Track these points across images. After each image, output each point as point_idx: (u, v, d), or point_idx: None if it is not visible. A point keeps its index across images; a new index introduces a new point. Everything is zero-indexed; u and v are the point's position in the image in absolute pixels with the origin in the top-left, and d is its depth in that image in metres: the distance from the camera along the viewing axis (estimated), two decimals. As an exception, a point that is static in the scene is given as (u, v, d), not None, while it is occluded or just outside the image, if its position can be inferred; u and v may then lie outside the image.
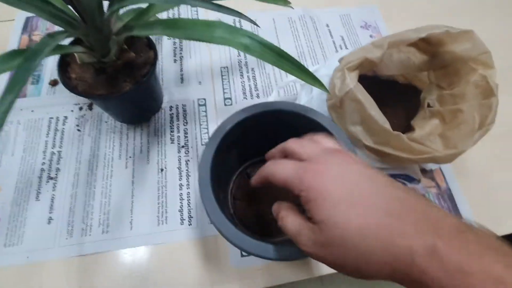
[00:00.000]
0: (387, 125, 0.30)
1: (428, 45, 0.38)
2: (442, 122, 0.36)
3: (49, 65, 0.51)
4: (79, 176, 0.43)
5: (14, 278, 0.36)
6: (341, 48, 0.57)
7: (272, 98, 0.45)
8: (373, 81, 0.38)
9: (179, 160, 0.45)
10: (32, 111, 0.47)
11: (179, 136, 0.46)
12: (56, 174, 0.42)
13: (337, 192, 0.19)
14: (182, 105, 0.49)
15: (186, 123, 0.48)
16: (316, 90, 0.38)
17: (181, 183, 0.43)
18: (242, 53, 0.55)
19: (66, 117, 0.47)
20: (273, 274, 0.39)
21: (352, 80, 0.31)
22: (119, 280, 0.37)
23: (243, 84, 0.52)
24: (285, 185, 0.22)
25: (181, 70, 0.52)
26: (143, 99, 0.43)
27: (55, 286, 0.36)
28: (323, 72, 0.37)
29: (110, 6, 0.30)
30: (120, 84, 0.37)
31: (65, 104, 0.47)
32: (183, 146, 0.46)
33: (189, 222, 0.41)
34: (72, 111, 0.47)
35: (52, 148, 0.44)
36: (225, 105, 0.50)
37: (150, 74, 0.37)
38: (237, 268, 0.38)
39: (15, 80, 0.19)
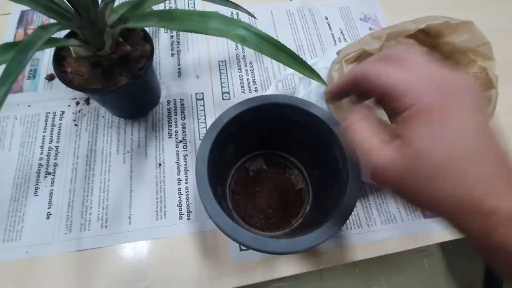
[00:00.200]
0: (384, 117, 0.30)
1: (427, 36, 0.37)
2: None
3: (46, 60, 0.50)
4: (77, 171, 0.42)
5: (13, 273, 0.36)
6: (340, 41, 0.56)
7: (270, 91, 0.45)
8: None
9: (177, 154, 0.44)
10: (28, 106, 0.46)
11: (177, 130, 0.46)
12: (54, 169, 0.42)
13: (455, 124, 0.17)
14: (180, 99, 0.49)
15: (184, 117, 0.47)
16: (314, 83, 0.38)
17: (179, 178, 0.43)
18: (240, 47, 0.54)
19: (63, 112, 0.46)
20: (272, 268, 0.39)
21: None
22: (118, 275, 0.37)
23: (241, 78, 0.51)
24: (389, 92, 0.18)
25: (179, 64, 0.52)
26: (140, 93, 0.43)
27: (54, 281, 0.36)
28: (321, 65, 0.36)
29: (104, -2, 0.30)
30: (116, 78, 0.37)
31: (62, 99, 0.47)
32: (181, 141, 0.46)
33: (187, 216, 0.41)
34: (69, 106, 0.47)
35: (50, 143, 0.44)
36: (223, 99, 0.49)
37: (147, 67, 0.37)
38: (236, 262, 0.39)
39: (8, 72, 0.19)
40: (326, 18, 0.58)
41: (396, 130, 0.18)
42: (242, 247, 0.39)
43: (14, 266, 0.37)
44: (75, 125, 0.46)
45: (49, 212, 0.40)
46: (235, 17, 0.56)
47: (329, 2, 0.60)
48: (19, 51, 0.20)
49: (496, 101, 0.33)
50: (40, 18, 0.54)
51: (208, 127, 0.30)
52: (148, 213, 0.41)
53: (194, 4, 0.58)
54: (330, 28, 0.57)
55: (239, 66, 0.52)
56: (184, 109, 0.48)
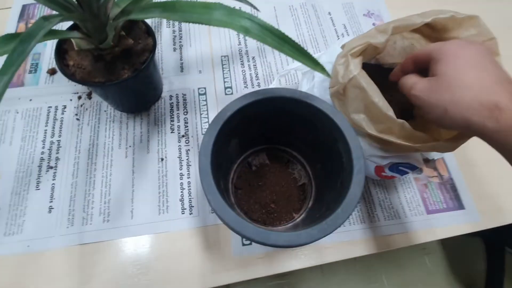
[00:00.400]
0: (391, 112, 0.30)
1: (433, 31, 0.37)
2: None
3: (47, 54, 0.50)
4: (79, 165, 0.42)
5: (14, 267, 0.36)
6: (343, 36, 0.56)
7: (273, 86, 0.45)
8: (376, 69, 0.37)
9: (180, 149, 0.44)
10: (30, 100, 0.46)
11: (179, 125, 0.46)
12: (56, 163, 0.42)
13: (462, 61, 0.25)
14: (182, 94, 0.48)
15: (186, 112, 0.47)
16: (317, 78, 0.37)
17: (181, 173, 0.43)
18: (242, 42, 0.54)
19: (64, 106, 0.46)
20: (274, 263, 0.39)
21: (355, 67, 0.30)
22: (120, 269, 0.37)
23: (244, 73, 0.51)
24: (431, 53, 0.28)
25: (181, 59, 0.51)
26: (142, 87, 0.42)
27: (56, 275, 0.36)
28: (325, 59, 0.36)
29: (107, -10, 0.29)
30: (119, 71, 0.36)
31: (63, 93, 0.47)
32: (183, 136, 0.45)
33: (190, 211, 0.41)
34: (71, 100, 0.47)
35: (51, 137, 0.44)
36: (226, 94, 0.49)
37: (149, 61, 0.37)
38: (238, 256, 0.38)
39: (10, 62, 0.19)
40: (329, 14, 0.58)
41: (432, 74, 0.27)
42: (245, 242, 0.39)
43: (15, 260, 0.37)
44: (77, 119, 0.45)
45: (51, 206, 0.40)
46: (237, 11, 0.56)
47: (332, -3, 0.60)
48: (21, 41, 0.20)
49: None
50: (41, 12, 0.54)
51: (210, 121, 0.30)
52: (150, 207, 0.40)
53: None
54: (333, 24, 0.57)
55: (242, 61, 0.52)
56: (186, 104, 0.48)
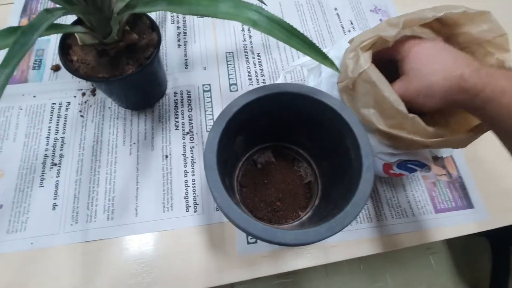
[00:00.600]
0: (402, 107, 0.29)
1: (443, 26, 0.36)
2: (448, 113, 0.35)
3: (51, 50, 0.50)
4: (83, 162, 0.42)
5: (17, 264, 0.36)
6: (349, 32, 0.55)
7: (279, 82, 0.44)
8: (384, 65, 0.36)
9: (184, 146, 0.44)
10: (34, 96, 0.46)
11: (183, 122, 0.45)
12: (60, 160, 0.42)
13: (422, 55, 0.29)
14: (187, 91, 0.48)
15: (191, 109, 0.46)
16: (325, 73, 0.36)
17: (186, 170, 0.42)
18: (247, 38, 0.53)
19: (68, 103, 0.46)
20: (279, 262, 0.38)
21: (366, 61, 0.30)
22: (124, 267, 0.37)
23: (248, 70, 0.50)
24: (395, 53, 0.32)
25: (185, 55, 0.51)
26: (146, 83, 0.42)
27: (59, 272, 0.36)
28: (333, 54, 0.35)
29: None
30: (123, 66, 0.36)
31: (67, 89, 0.47)
32: (187, 133, 0.45)
33: (194, 209, 0.40)
34: (75, 96, 0.46)
35: (55, 134, 0.44)
36: (231, 91, 0.48)
37: (154, 56, 0.36)
38: (243, 255, 0.38)
39: (11, 54, 0.18)
40: (336, 9, 0.57)
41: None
42: (250, 240, 0.39)
43: (18, 257, 0.37)
44: (81, 116, 0.45)
45: (55, 203, 0.39)
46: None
47: (338, -7, 0.59)
48: (23, 33, 0.20)
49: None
50: (44, 7, 0.53)
51: (215, 118, 0.30)
52: (154, 205, 0.40)
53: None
54: (340, 20, 0.56)
55: (247, 57, 0.51)
56: (191, 101, 0.47)
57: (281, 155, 0.42)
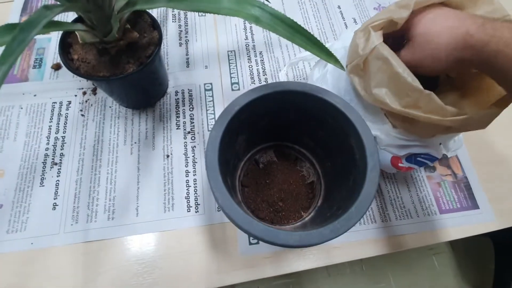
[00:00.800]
0: (417, 83, 0.28)
1: None
2: (465, 91, 0.34)
3: (52, 49, 0.49)
4: (84, 161, 0.42)
5: (17, 264, 0.36)
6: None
7: (281, 77, 0.44)
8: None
9: (185, 146, 0.43)
10: (34, 95, 0.45)
11: (185, 121, 0.45)
12: (61, 160, 0.42)
13: (427, 19, 0.29)
14: (188, 90, 0.47)
15: (192, 108, 0.46)
16: (330, 64, 0.36)
17: (187, 170, 0.42)
18: (249, 36, 0.53)
19: (69, 102, 0.45)
20: (281, 263, 0.38)
21: (377, 38, 0.29)
22: (125, 267, 0.36)
23: (251, 68, 0.50)
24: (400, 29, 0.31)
25: (187, 54, 0.50)
26: (147, 82, 0.42)
27: (60, 272, 0.36)
28: (339, 45, 0.35)
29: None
30: (124, 65, 0.35)
31: (68, 88, 0.46)
32: (189, 132, 0.44)
33: (196, 209, 0.40)
34: (75, 95, 0.46)
35: (56, 133, 0.43)
36: (232, 90, 0.48)
37: (155, 55, 0.36)
38: (245, 256, 0.37)
39: (9, 51, 0.18)
40: (339, 7, 0.57)
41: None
42: (251, 241, 0.38)
43: (18, 257, 0.36)
44: (82, 115, 0.45)
45: (55, 203, 0.39)
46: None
47: (341, -9, 0.59)
48: (21, 29, 0.19)
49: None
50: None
51: (217, 118, 0.29)
52: (155, 205, 0.40)
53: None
54: (343, 18, 0.55)
55: (249, 56, 0.51)
56: (192, 100, 0.47)
57: (284, 154, 0.42)
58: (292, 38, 0.25)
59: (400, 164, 0.35)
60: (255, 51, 0.51)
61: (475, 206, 0.42)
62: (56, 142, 0.43)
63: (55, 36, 0.51)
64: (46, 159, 0.42)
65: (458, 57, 0.27)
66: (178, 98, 0.47)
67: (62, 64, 0.35)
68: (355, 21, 0.55)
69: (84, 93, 0.46)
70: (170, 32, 0.52)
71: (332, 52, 0.26)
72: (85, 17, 0.32)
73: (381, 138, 0.33)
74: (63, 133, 0.43)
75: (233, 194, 0.34)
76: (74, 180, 0.40)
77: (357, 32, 0.31)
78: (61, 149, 0.42)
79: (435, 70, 0.29)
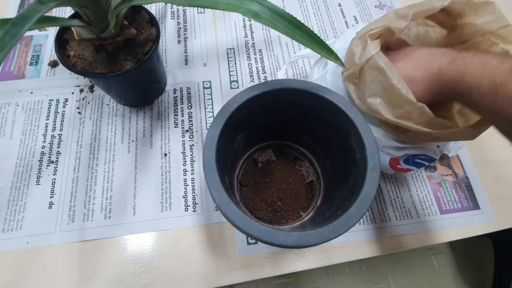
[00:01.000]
0: (410, 95, 0.28)
1: (448, 17, 0.35)
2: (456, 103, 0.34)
3: (49, 46, 0.49)
4: (81, 160, 0.41)
5: (12, 264, 0.35)
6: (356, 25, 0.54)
7: (280, 75, 0.43)
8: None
9: (183, 144, 0.43)
10: (31, 93, 0.45)
11: (183, 120, 0.45)
12: (57, 158, 0.41)
13: (402, 55, 0.31)
14: (187, 87, 0.47)
15: (191, 106, 0.46)
16: (330, 64, 0.35)
17: (185, 169, 0.41)
18: (249, 34, 0.52)
19: (66, 100, 0.45)
20: (280, 263, 0.37)
21: (374, 48, 0.28)
22: (122, 267, 0.36)
23: (250, 66, 0.49)
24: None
25: (185, 51, 0.50)
26: (145, 80, 0.41)
27: (55, 272, 0.35)
28: (339, 45, 0.34)
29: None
30: (121, 62, 0.35)
31: (65, 86, 0.46)
32: (187, 130, 0.44)
33: (193, 208, 0.39)
34: (72, 93, 0.45)
35: (53, 131, 0.43)
36: (231, 88, 0.47)
37: (153, 51, 0.35)
38: (243, 256, 0.37)
39: (0, 44, 0.18)
40: (340, 5, 0.56)
41: None
42: (250, 241, 0.38)
43: (14, 256, 0.36)
44: (79, 113, 0.44)
45: (51, 202, 0.39)
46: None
47: (342, -11, 0.58)
48: (14, 24, 0.19)
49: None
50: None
51: (215, 115, 0.29)
52: (153, 204, 0.39)
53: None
54: (344, 15, 0.55)
55: (248, 54, 0.50)
56: (190, 98, 0.46)
57: (283, 153, 0.41)
58: (291, 34, 0.24)
59: (398, 166, 0.35)
60: (254, 49, 0.51)
61: (476, 206, 0.42)
62: (53, 140, 0.42)
63: (52, 33, 0.50)
64: (42, 157, 0.41)
65: (436, 93, 0.28)
66: (176, 96, 0.46)
67: (58, 61, 0.34)
68: (355, 19, 0.55)
69: (81, 90, 0.46)
70: (168, 29, 0.52)
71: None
72: (82, 13, 0.31)
73: (379, 139, 0.33)
74: (60, 131, 0.43)
75: (231, 193, 0.34)
76: (70, 178, 0.40)
77: (355, 40, 0.31)
78: (57, 147, 0.42)
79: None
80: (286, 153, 0.41)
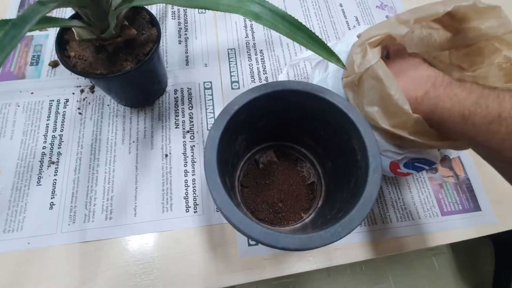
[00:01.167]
0: (407, 106, 0.28)
1: (453, 20, 0.35)
2: None
3: (49, 46, 0.49)
4: (81, 160, 0.41)
5: (13, 264, 0.35)
6: (356, 27, 0.53)
7: (281, 78, 0.43)
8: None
9: (184, 145, 0.43)
10: (31, 93, 0.45)
11: (184, 120, 0.44)
12: (58, 159, 0.41)
13: (400, 73, 0.30)
14: (187, 88, 0.47)
15: (192, 107, 0.45)
16: (332, 67, 0.35)
17: (186, 170, 0.41)
18: (250, 34, 0.52)
19: (67, 100, 0.45)
20: (281, 264, 0.37)
21: (374, 56, 0.28)
22: (123, 268, 0.36)
23: (251, 67, 0.49)
24: None
25: (186, 51, 0.50)
26: (146, 80, 0.41)
27: (56, 272, 0.35)
28: (340, 48, 0.34)
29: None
30: (121, 63, 0.35)
31: (66, 86, 0.46)
32: (188, 131, 0.44)
33: (194, 209, 0.39)
34: (73, 93, 0.45)
35: (53, 131, 0.43)
36: (232, 88, 0.47)
37: (153, 52, 0.35)
38: (244, 257, 0.37)
39: (0, 46, 0.17)
40: (341, 5, 0.56)
41: None
42: (251, 242, 0.38)
43: (15, 257, 0.36)
44: (80, 113, 0.44)
45: (52, 203, 0.39)
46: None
47: (343, -11, 0.58)
48: (13, 25, 0.19)
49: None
50: (44, 4, 0.52)
51: (216, 117, 0.29)
52: (154, 205, 0.39)
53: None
54: (345, 16, 0.55)
55: (249, 54, 0.50)
56: (191, 99, 0.46)
57: (284, 154, 0.41)
58: (292, 36, 0.24)
59: (398, 170, 0.35)
60: (255, 49, 0.51)
61: (477, 208, 0.42)
62: (54, 141, 0.42)
63: (53, 33, 0.50)
64: (43, 158, 0.41)
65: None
66: (177, 97, 0.46)
67: (59, 61, 0.34)
68: (357, 19, 0.54)
69: (82, 91, 0.46)
70: (169, 29, 0.51)
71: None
72: (82, 13, 0.31)
73: (379, 142, 0.33)
74: (61, 131, 0.43)
75: (232, 194, 0.34)
76: (71, 179, 0.40)
77: (355, 47, 0.31)
78: (58, 148, 0.42)
79: None
80: (287, 154, 0.41)
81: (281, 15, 0.24)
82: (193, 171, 0.41)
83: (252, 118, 0.32)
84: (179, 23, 0.52)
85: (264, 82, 0.48)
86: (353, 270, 0.97)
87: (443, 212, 0.41)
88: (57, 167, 0.41)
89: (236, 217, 0.25)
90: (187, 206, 0.39)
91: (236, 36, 0.52)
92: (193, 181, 0.41)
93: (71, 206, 0.39)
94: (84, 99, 0.45)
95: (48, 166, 0.41)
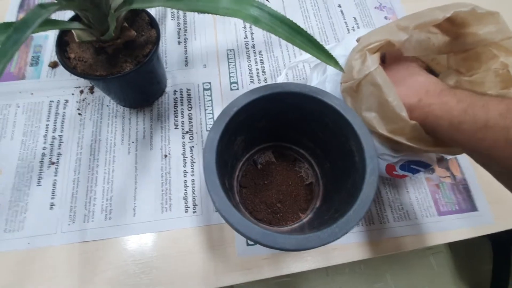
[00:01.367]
0: (404, 113, 0.28)
1: (452, 25, 0.35)
2: None
3: (49, 47, 0.49)
4: (81, 161, 0.41)
5: (13, 264, 0.36)
6: (353, 30, 0.54)
7: (281, 79, 0.43)
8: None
9: (183, 146, 0.43)
10: (31, 94, 0.45)
11: (183, 121, 0.45)
12: (58, 159, 0.41)
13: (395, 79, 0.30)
14: (187, 89, 0.47)
15: (191, 108, 0.46)
16: (330, 71, 0.36)
17: (185, 170, 0.42)
18: (249, 35, 0.52)
19: (67, 101, 0.45)
20: (279, 264, 0.37)
21: (373, 63, 0.29)
22: (122, 268, 0.36)
23: (250, 68, 0.49)
24: None
25: (185, 52, 0.50)
26: (145, 81, 0.41)
27: (56, 272, 0.36)
28: (339, 52, 0.34)
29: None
30: (121, 64, 0.35)
31: (66, 87, 0.46)
32: (187, 132, 0.44)
33: (193, 209, 0.39)
34: (73, 94, 0.46)
35: (53, 132, 0.43)
36: (231, 89, 0.47)
37: (153, 53, 0.35)
38: (243, 257, 0.37)
39: (3, 51, 0.18)
40: (340, 6, 0.56)
41: None
42: (249, 242, 0.38)
43: (15, 256, 0.36)
44: (79, 114, 0.44)
45: (52, 203, 0.39)
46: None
47: (342, -10, 0.58)
48: (15, 29, 0.19)
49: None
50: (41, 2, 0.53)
51: (215, 118, 0.29)
52: (153, 205, 0.39)
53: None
54: (344, 17, 0.55)
55: (248, 55, 0.50)
56: (190, 99, 0.46)
57: (282, 155, 0.41)
58: (291, 39, 0.24)
59: (394, 172, 0.35)
60: (254, 50, 0.51)
61: (474, 208, 0.42)
62: (53, 141, 0.42)
63: (53, 34, 0.50)
64: (43, 158, 0.41)
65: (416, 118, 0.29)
66: (176, 98, 0.46)
67: (59, 63, 0.34)
68: (355, 20, 0.55)
69: (82, 91, 0.46)
70: (168, 30, 0.52)
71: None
72: (82, 16, 0.31)
73: (375, 146, 0.34)
74: (60, 132, 0.43)
75: (231, 195, 0.34)
76: (71, 179, 0.40)
77: (354, 52, 0.31)
78: (58, 148, 0.42)
79: None
80: (285, 155, 0.41)
81: (280, 18, 0.24)
82: (192, 171, 0.42)
83: (251, 119, 0.32)
84: (178, 24, 0.52)
85: (263, 83, 0.48)
86: (352, 269, 0.97)
87: (440, 212, 0.42)
88: (57, 168, 0.41)
89: (234, 218, 0.25)
90: (186, 206, 0.40)
91: (235, 37, 0.52)
92: (192, 181, 0.41)
93: (71, 206, 0.39)
94: (83, 100, 0.45)
95: (48, 167, 0.41)
